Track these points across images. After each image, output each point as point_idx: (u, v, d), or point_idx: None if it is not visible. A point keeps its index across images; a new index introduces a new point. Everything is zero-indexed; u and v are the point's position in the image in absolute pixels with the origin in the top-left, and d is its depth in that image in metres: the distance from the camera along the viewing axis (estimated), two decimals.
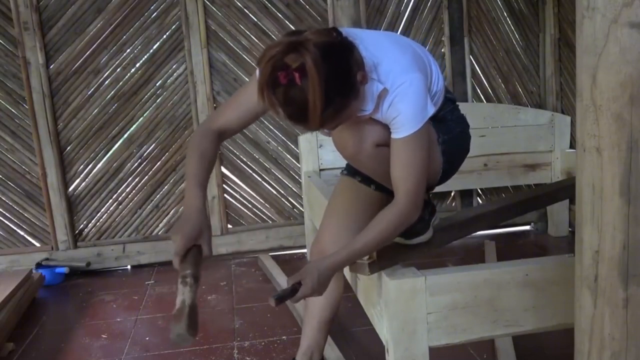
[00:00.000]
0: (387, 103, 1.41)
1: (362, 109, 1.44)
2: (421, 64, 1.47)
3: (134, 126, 3.21)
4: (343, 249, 1.50)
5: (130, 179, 3.25)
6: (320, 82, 1.22)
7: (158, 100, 3.20)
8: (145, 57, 3.16)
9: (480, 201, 3.57)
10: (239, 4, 3.19)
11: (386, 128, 1.48)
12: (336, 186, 1.81)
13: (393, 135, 1.45)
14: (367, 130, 1.49)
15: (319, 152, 3.12)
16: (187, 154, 1.50)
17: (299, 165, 3.24)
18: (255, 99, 1.36)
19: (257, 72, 1.34)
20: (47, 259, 3.14)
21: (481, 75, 3.47)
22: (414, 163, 1.43)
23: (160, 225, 3.31)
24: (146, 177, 3.26)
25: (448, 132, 1.62)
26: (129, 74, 3.16)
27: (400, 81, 1.40)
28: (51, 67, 3.08)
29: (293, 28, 3.17)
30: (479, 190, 3.56)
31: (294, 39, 1.25)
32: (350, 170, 1.76)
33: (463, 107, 1.75)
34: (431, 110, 1.44)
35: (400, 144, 1.43)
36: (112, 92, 3.16)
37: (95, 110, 3.16)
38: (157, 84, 3.19)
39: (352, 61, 1.33)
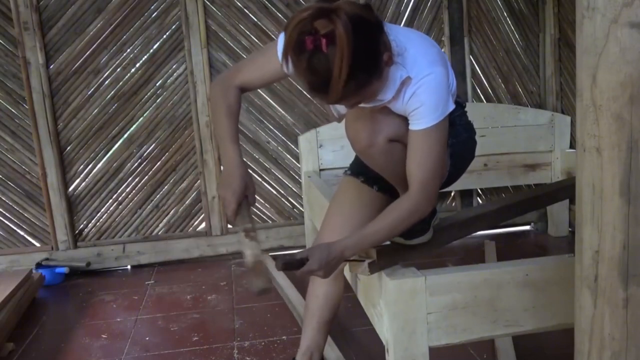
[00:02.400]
0: (410, 92, 1.38)
1: (380, 98, 1.40)
2: (444, 61, 1.45)
3: (134, 126, 3.21)
4: (354, 234, 1.49)
5: (130, 179, 3.25)
6: (348, 53, 1.18)
7: (158, 100, 3.20)
8: (145, 57, 3.16)
9: (480, 201, 3.57)
10: (239, 4, 3.19)
11: (401, 123, 1.45)
12: (339, 186, 1.81)
13: (411, 127, 1.42)
14: (382, 124, 1.46)
15: (319, 152, 3.12)
16: (212, 111, 1.59)
17: (299, 165, 3.24)
18: (273, 65, 1.41)
19: (280, 37, 1.33)
20: (47, 259, 3.14)
21: (481, 75, 3.47)
22: (430, 155, 1.41)
23: (160, 225, 3.31)
24: (146, 177, 3.26)
25: (456, 136, 1.61)
26: (129, 74, 3.16)
27: (426, 72, 1.37)
28: (51, 67, 3.08)
29: None
30: (479, 190, 3.56)
31: (326, 5, 1.20)
32: (354, 171, 1.76)
33: None
34: (451, 107, 1.42)
35: (419, 136, 1.41)
36: (112, 92, 3.16)
37: (95, 110, 3.16)
38: (157, 84, 3.19)
39: (381, 40, 1.30)
